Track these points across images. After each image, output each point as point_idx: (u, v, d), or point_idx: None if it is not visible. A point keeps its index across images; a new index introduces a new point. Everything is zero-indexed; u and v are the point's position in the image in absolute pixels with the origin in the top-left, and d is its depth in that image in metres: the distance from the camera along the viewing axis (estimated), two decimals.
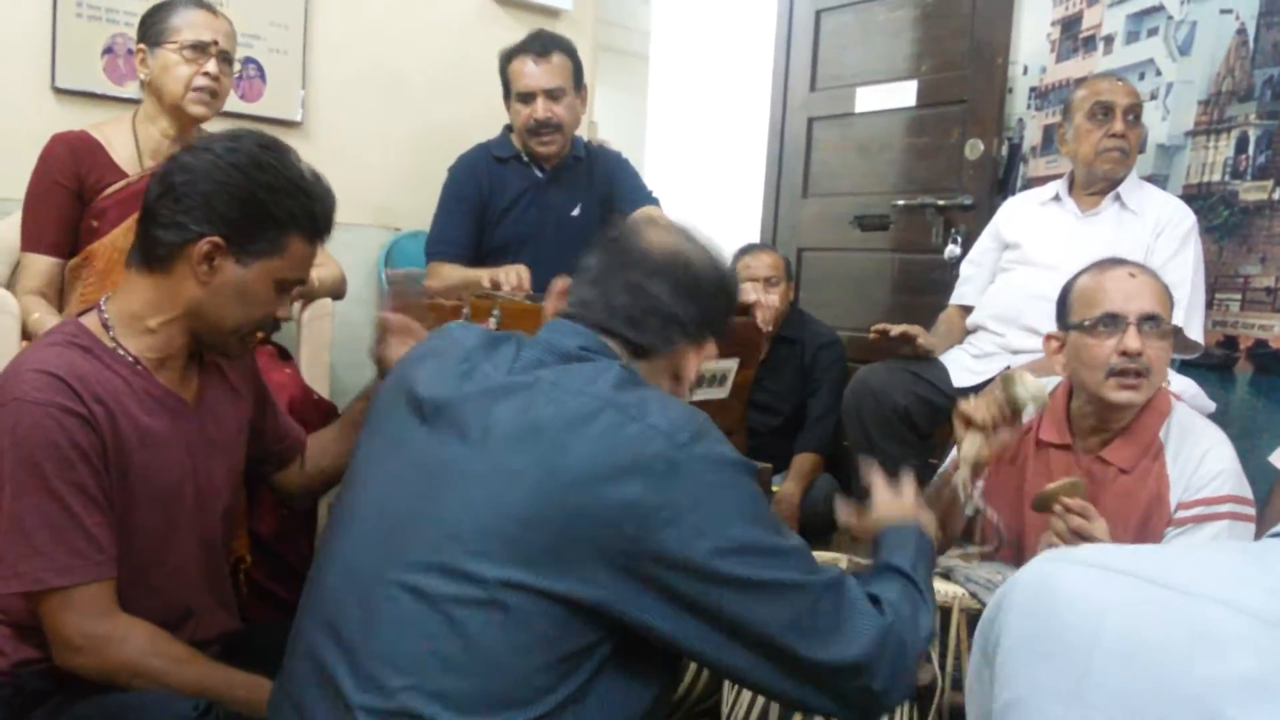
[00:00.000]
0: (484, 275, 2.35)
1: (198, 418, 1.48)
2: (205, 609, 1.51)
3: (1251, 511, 1.77)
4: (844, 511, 1.48)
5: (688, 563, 1.02)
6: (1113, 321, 1.74)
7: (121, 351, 1.40)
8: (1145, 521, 1.77)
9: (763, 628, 1.04)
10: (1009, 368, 2.27)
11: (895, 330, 2.62)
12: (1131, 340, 1.71)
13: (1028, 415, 1.78)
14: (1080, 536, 1.61)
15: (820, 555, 1.61)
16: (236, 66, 2.29)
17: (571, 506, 1.01)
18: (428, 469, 1.11)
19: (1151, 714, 0.62)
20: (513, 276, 2.25)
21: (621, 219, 1.32)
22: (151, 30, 2.17)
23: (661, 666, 1.11)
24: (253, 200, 1.37)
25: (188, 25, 2.16)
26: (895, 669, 1.10)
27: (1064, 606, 0.70)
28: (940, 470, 2.03)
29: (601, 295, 1.22)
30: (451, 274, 2.59)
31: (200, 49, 2.16)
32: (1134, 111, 2.59)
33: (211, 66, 2.16)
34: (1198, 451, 1.76)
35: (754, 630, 1.04)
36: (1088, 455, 1.84)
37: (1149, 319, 1.74)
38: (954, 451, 1.87)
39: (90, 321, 1.41)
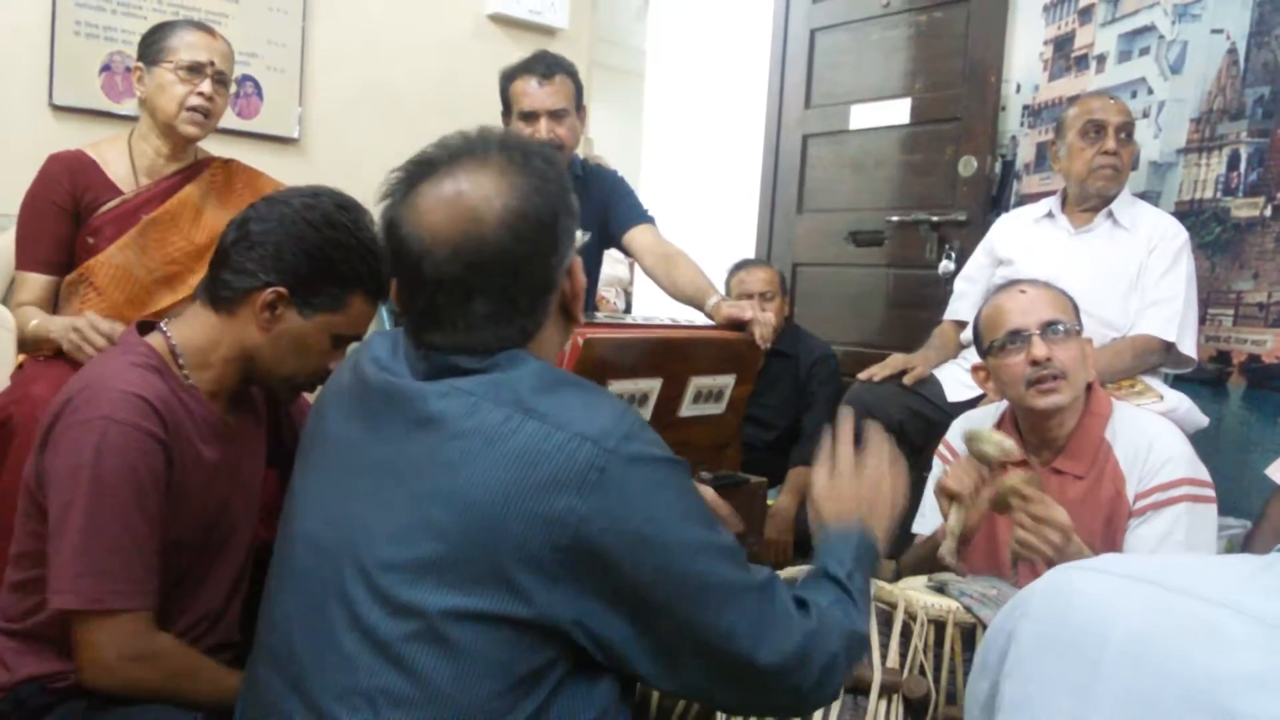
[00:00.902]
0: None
1: (239, 444, 1.52)
2: (217, 622, 1.52)
3: (1209, 493, 1.82)
4: (821, 490, 1.40)
5: (625, 568, 0.99)
6: (1016, 337, 1.85)
7: (187, 379, 1.44)
8: (1109, 521, 1.83)
9: (695, 626, 1.02)
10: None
11: (881, 375, 2.68)
12: (1037, 349, 1.81)
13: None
14: (1041, 520, 1.65)
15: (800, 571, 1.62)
16: (234, 86, 2.30)
17: (501, 527, 0.97)
18: (354, 498, 1.07)
19: (1159, 707, 0.64)
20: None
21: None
22: (150, 49, 2.18)
23: (619, 681, 1.09)
24: (322, 256, 1.42)
25: (185, 46, 2.17)
26: (821, 675, 1.09)
27: (1078, 608, 0.73)
28: (926, 538, 2.06)
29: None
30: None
31: (196, 70, 2.17)
32: (1126, 129, 2.61)
33: (206, 87, 2.17)
34: (1144, 441, 1.83)
35: (687, 629, 1.02)
36: (1044, 469, 1.90)
37: (1049, 325, 1.84)
38: (937, 519, 1.90)
39: (158, 344, 1.45)
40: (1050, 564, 1.73)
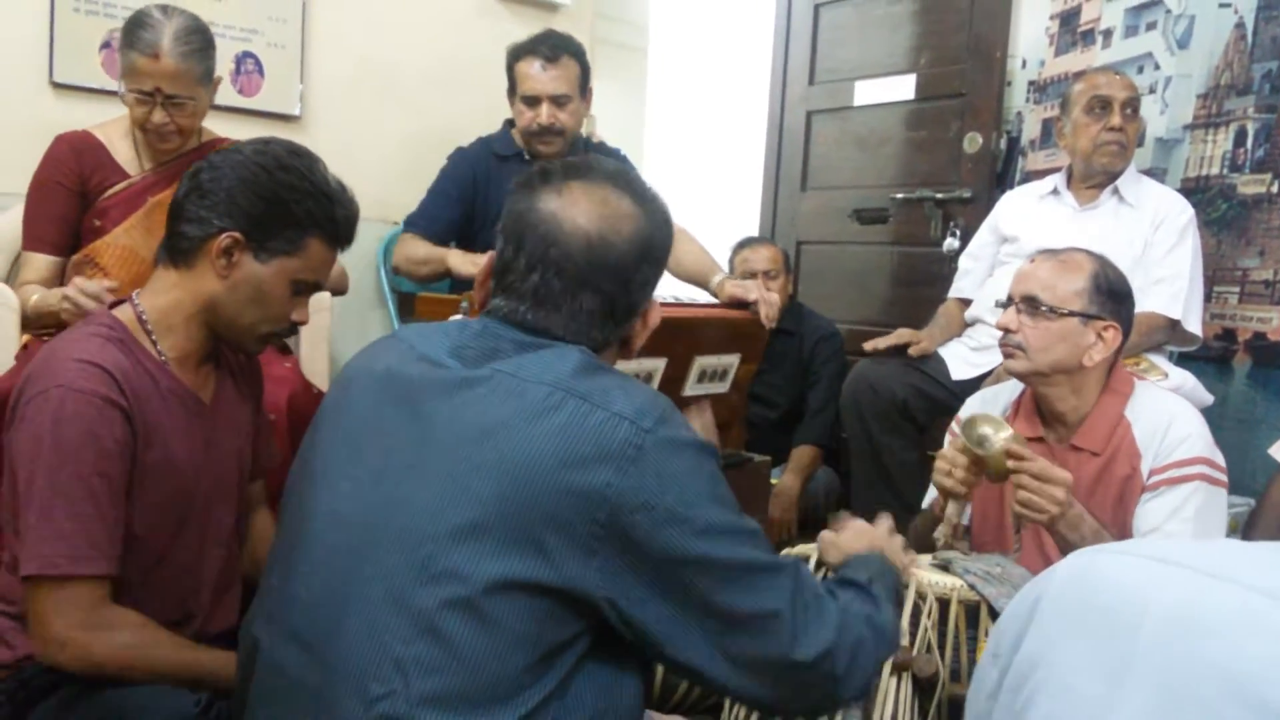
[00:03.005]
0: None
1: (213, 418, 1.50)
2: (212, 607, 1.51)
3: (1223, 478, 1.82)
4: (827, 543, 1.49)
5: (658, 545, 1.02)
6: (1007, 302, 1.92)
7: (152, 348, 1.43)
8: (1121, 497, 1.83)
9: (725, 606, 1.05)
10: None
11: (885, 344, 2.69)
12: (1004, 317, 1.89)
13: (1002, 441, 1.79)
14: (1041, 478, 1.66)
15: (805, 549, 1.63)
16: (229, 65, 2.25)
17: (541, 495, 1.00)
18: (391, 472, 1.09)
19: (1197, 695, 0.63)
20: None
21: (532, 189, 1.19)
22: (120, 51, 2.10)
23: (637, 658, 1.11)
24: (275, 198, 1.41)
25: (133, 70, 2.07)
26: (853, 654, 1.11)
27: (1106, 591, 0.71)
28: (924, 513, 2.06)
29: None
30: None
31: (144, 98, 2.08)
32: (1132, 105, 2.59)
33: (157, 116, 2.09)
34: (1164, 420, 1.83)
35: (717, 609, 1.05)
36: (1061, 446, 1.90)
37: (1025, 300, 1.87)
38: (936, 498, 1.92)
39: (124, 315, 1.44)
40: (1056, 535, 1.73)
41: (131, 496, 1.35)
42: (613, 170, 1.21)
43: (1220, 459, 1.83)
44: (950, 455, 1.79)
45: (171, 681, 1.33)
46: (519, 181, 1.21)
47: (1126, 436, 1.84)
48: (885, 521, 1.55)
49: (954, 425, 2.15)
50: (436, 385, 1.11)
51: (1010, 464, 1.70)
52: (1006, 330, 1.87)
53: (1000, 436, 1.72)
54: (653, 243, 1.20)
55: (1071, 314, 1.83)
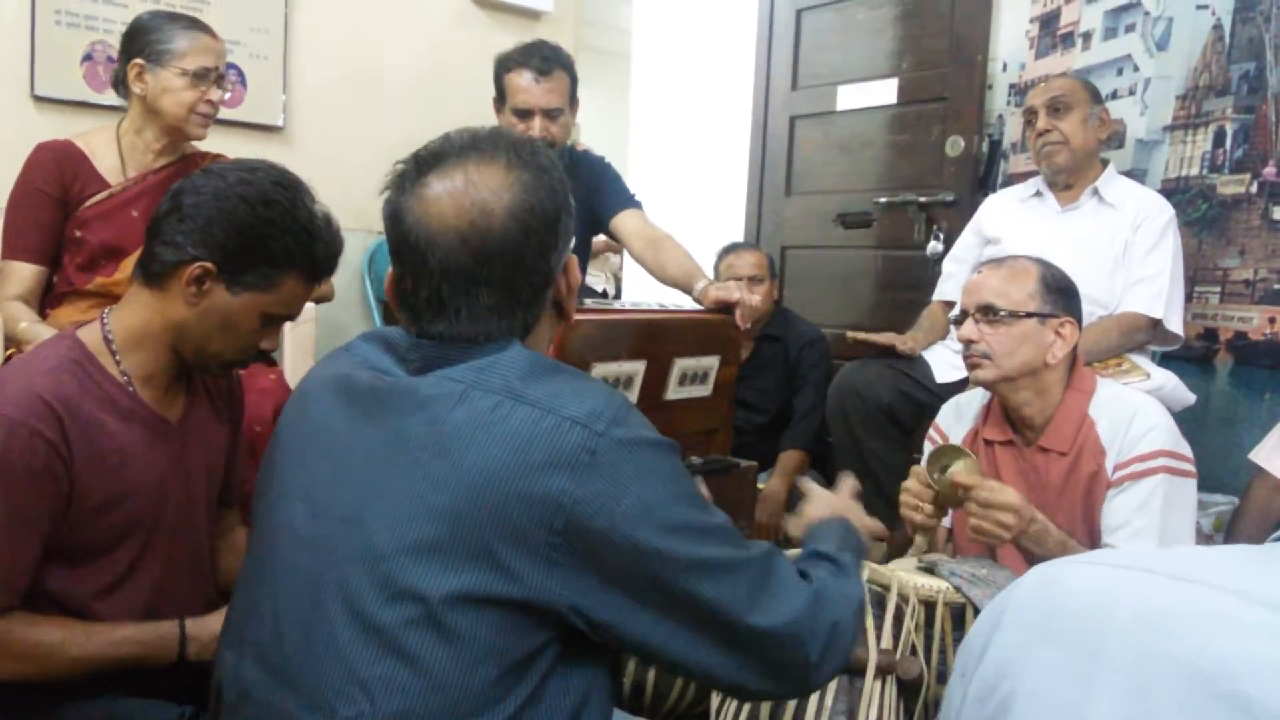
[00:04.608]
0: None
1: (181, 437, 1.48)
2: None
3: (1189, 468, 1.84)
4: (791, 523, 1.50)
5: (620, 549, 1.00)
6: (964, 315, 1.96)
7: (115, 369, 1.40)
8: (1088, 494, 1.86)
9: (697, 604, 1.03)
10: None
11: (869, 339, 2.72)
12: (963, 330, 1.94)
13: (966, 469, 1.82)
14: (988, 505, 1.71)
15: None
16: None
17: (496, 507, 0.98)
18: (347, 490, 1.07)
19: (1167, 687, 0.63)
20: None
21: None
22: (152, 48, 2.15)
23: (606, 656, 1.10)
24: (253, 234, 1.37)
25: (193, 51, 2.16)
26: (829, 639, 1.10)
27: (1071, 598, 0.71)
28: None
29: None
30: None
31: (203, 76, 2.17)
32: (1056, 104, 2.64)
33: (215, 94, 2.19)
34: (1126, 414, 1.86)
35: (689, 607, 1.03)
36: (1029, 448, 1.94)
37: (981, 309, 1.92)
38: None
39: (89, 336, 1.41)
40: (1023, 549, 1.75)
41: (74, 523, 1.33)
42: (468, 140, 1.12)
43: (1185, 448, 1.86)
44: (915, 489, 1.84)
45: (107, 664, 1.33)
46: (382, 194, 1.13)
47: (1091, 434, 1.88)
48: (849, 483, 1.55)
49: (932, 430, 2.16)
50: (386, 397, 1.08)
51: (959, 492, 1.75)
52: (969, 342, 1.91)
53: (954, 466, 1.77)
54: (534, 207, 1.08)
55: (1029, 315, 1.89)
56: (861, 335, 2.74)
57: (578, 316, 1.94)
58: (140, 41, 2.17)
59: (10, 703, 1.34)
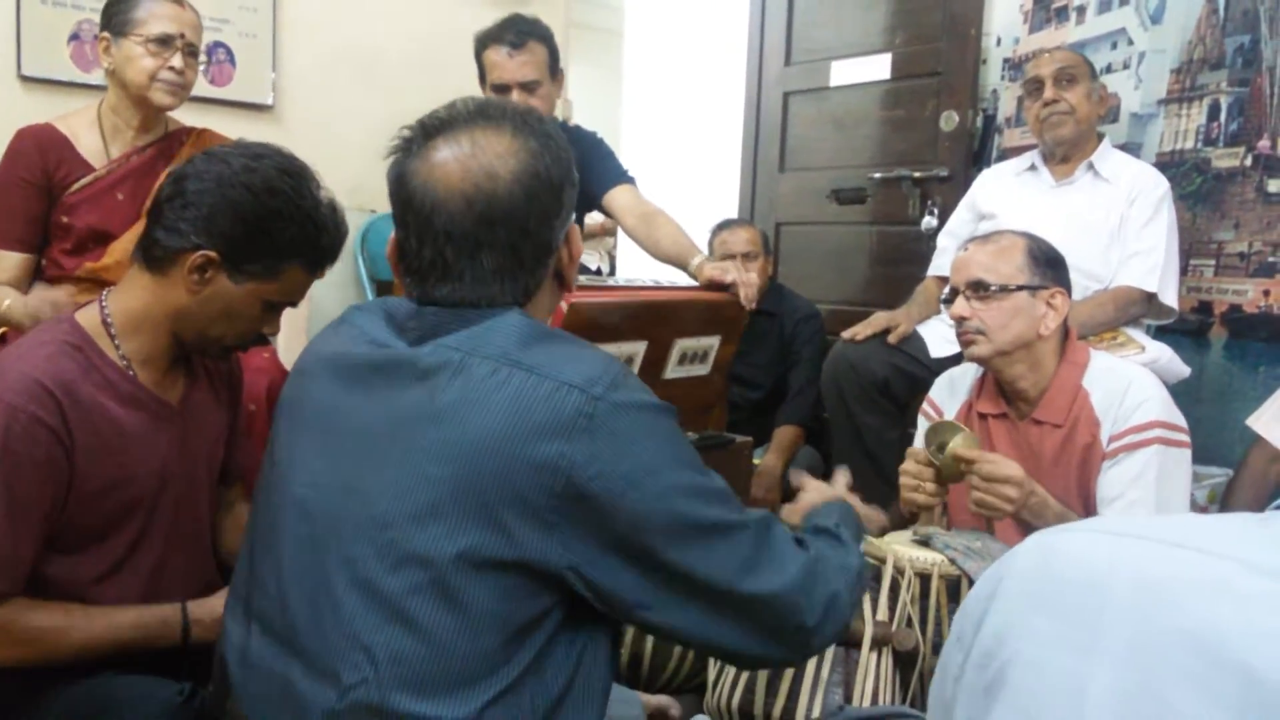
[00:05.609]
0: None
1: (181, 420, 1.47)
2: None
3: (1183, 438, 1.85)
4: (787, 511, 1.51)
5: (620, 512, 1.01)
6: (954, 294, 1.96)
7: (115, 352, 1.39)
8: (1083, 466, 1.87)
9: (694, 568, 1.04)
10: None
11: (864, 334, 2.69)
12: (955, 307, 1.93)
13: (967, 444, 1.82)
14: (990, 478, 1.71)
15: None
16: (203, 57, 2.26)
17: (495, 472, 0.99)
18: (348, 460, 1.08)
19: (1169, 663, 0.62)
20: None
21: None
22: (115, 19, 2.12)
23: (608, 625, 1.11)
24: (257, 224, 1.35)
25: (152, 17, 2.10)
26: (827, 605, 1.11)
27: (1069, 566, 0.70)
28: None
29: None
30: None
31: (165, 42, 2.11)
32: (1063, 75, 2.62)
33: (177, 61, 2.12)
34: (1120, 386, 1.87)
35: (687, 570, 1.04)
36: (1024, 421, 1.95)
37: (971, 286, 1.92)
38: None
39: (86, 319, 1.40)
40: (1022, 522, 1.76)
41: (74, 508, 1.33)
42: (475, 108, 1.13)
43: (1179, 418, 1.86)
44: (915, 469, 1.83)
45: (110, 649, 1.33)
46: (388, 159, 1.15)
47: (1085, 406, 1.88)
48: (843, 477, 1.58)
49: (925, 405, 2.16)
50: (385, 369, 1.09)
51: (960, 466, 1.75)
52: (962, 319, 1.91)
53: (954, 441, 1.76)
54: (539, 173, 1.10)
55: (1020, 288, 1.89)
56: (858, 333, 2.72)
57: (583, 299, 1.93)
58: (107, 14, 2.15)
59: (6, 681, 1.35)
